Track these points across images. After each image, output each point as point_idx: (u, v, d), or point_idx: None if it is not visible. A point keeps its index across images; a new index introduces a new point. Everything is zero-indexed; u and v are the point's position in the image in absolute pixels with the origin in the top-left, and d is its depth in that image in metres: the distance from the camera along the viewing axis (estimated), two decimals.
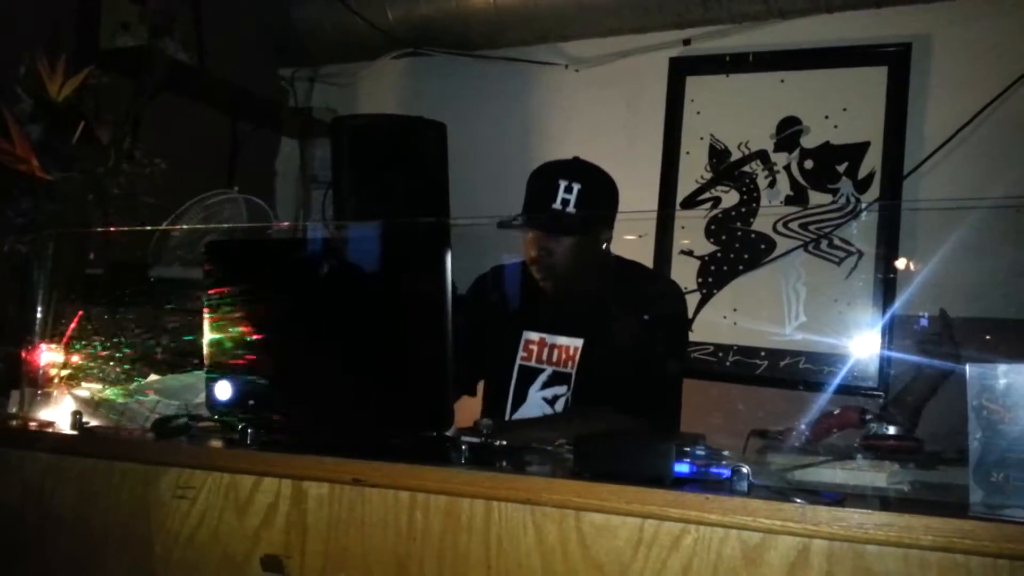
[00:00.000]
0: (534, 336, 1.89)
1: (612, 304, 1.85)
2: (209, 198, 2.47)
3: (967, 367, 0.99)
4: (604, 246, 1.90)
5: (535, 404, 1.87)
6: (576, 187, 1.77)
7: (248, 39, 3.21)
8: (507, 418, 1.88)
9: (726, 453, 1.22)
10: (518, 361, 1.89)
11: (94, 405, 1.58)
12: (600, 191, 1.85)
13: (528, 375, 1.88)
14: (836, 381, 2.62)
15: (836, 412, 1.72)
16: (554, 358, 1.86)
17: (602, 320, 1.84)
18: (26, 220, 2.01)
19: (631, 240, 2.89)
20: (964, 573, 0.95)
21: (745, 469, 1.07)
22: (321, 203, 3.34)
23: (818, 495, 1.07)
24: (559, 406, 1.85)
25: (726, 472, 1.11)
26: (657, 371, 1.82)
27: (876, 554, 0.98)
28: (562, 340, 1.86)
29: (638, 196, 2.95)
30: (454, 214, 2.70)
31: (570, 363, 1.85)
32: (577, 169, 1.85)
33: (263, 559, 1.29)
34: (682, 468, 1.12)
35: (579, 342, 1.84)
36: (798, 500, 1.03)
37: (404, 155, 2.82)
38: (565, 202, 1.76)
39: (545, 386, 1.86)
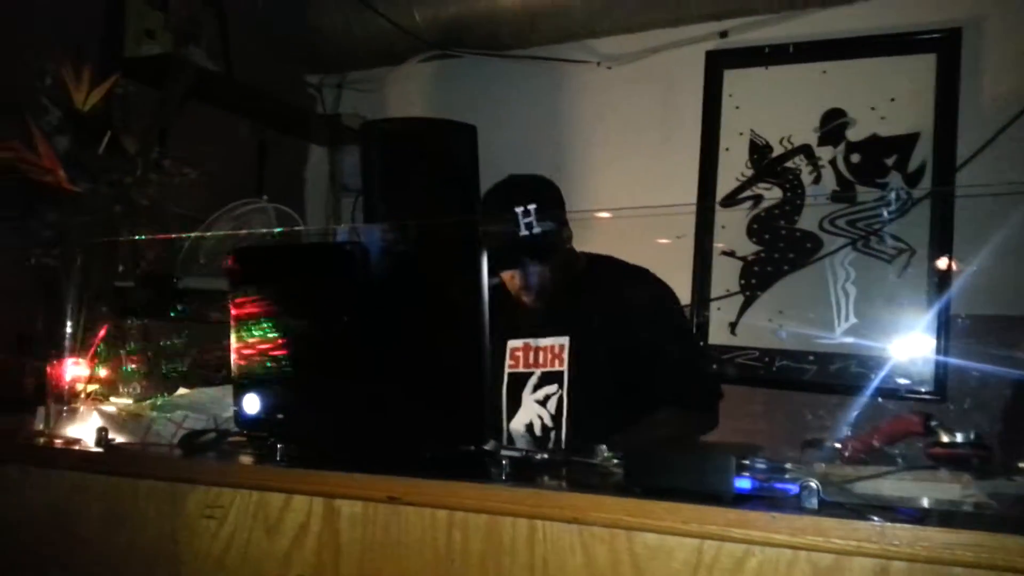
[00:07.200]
0: (517, 343, 1.93)
1: (593, 298, 1.89)
2: (238, 207, 2.44)
3: None
4: (570, 246, 1.94)
5: (529, 407, 1.90)
6: (532, 207, 1.81)
7: (275, 46, 3.19)
8: (505, 425, 1.90)
9: (789, 466, 1.13)
10: (506, 369, 1.93)
11: (121, 421, 1.53)
12: (550, 199, 1.89)
13: (518, 381, 1.92)
14: (890, 386, 2.50)
15: (897, 419, 1.62)
16: (540, 360, 1.90)
17: (585, 315, 1.88)
18: (53, 233, 1.99)
19: (668, 242, 2.81)
20: None
21: (814, 484, 0.98)
22: (351, 211, 3.30)
23: (895, 512, 0.98)
24: (551, 405, 1.87)
25: (792, 487, 1.03)
26: (686, 360, 1.91)
27: None
28: (546, 341, 1.90)
29: (675, 195, 2.88)
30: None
31: (557, 361, 1.88)
32: (521, 189, 1.88)
33: None
34: (743, 483, 1.04)
35: (564, 339, 1.88)
36: (874, 518, 0.94)
37: (434, 159, 2.77)
38: (529, 225, 1.81)
39: (536, 388, 1.89)
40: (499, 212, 1.86)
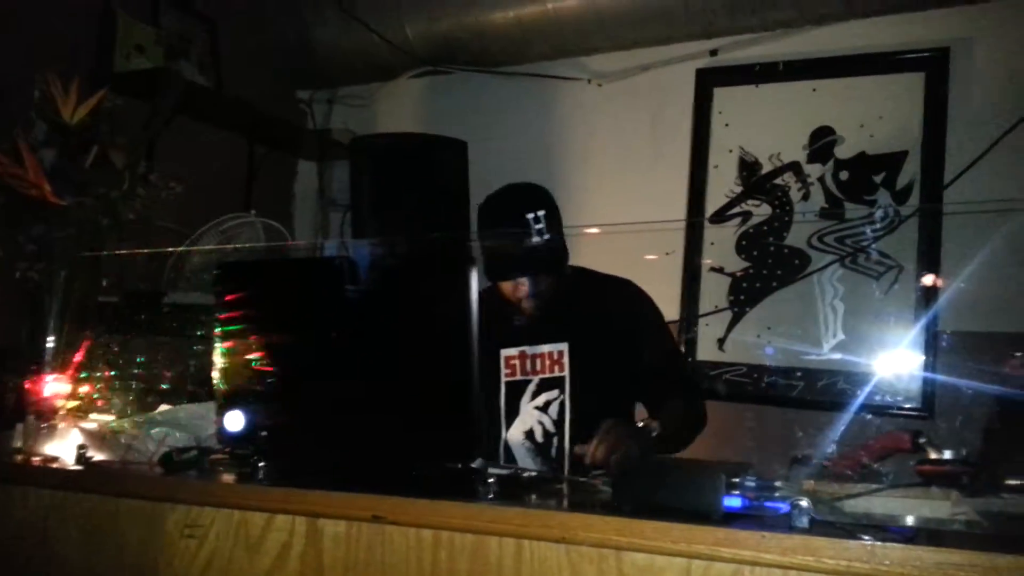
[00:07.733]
0: (512, 351, 1.91)
1: (586, 303, 1.91)
2: (226, 222, 2.42)
3: None
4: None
5: (528, 415, 1.89)
6: (541, 214, 1.80)
7: (265, 61, 3.18)
8: (504, 434, 1.89)
9: (779, 484, 1.12)
10: (503, 379, 1.91)
11: (101, 438, 1.51)
12: (553, 205, 1.88)
13: (516, 389, 1.90)
14: (878, 402, 2.49)
15: (885, 435, 1.61)
16: (538, 367, 1.89)
17: (581, 320, 1.88)
18: (38, 246, 1.96)
19: (657, 258, 2.81)
20: None
21: (805, 503, 0.97)
22: (340, 226, 3.29)
23: (886, 531, 0.97)
24: (552, 410, 1.86)
25: (782, 506, 1.02)
26: (677, 357, 2.01)
27: None
28: (543, 348, 1.89)
29: (665, 212, 2.87)
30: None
31: (557, 367, 1.87)
32: (528, 196, 1.88)
33: None
34: (733, 502, 1.02)
35: (563, 345, 1.87)
36: (865, 537, 0.93)
37: (424, 175, 2.75)
38: (540, 232, 1.79)
39: (535, 395, 1.89)
40: (506, 220, 1.84)
